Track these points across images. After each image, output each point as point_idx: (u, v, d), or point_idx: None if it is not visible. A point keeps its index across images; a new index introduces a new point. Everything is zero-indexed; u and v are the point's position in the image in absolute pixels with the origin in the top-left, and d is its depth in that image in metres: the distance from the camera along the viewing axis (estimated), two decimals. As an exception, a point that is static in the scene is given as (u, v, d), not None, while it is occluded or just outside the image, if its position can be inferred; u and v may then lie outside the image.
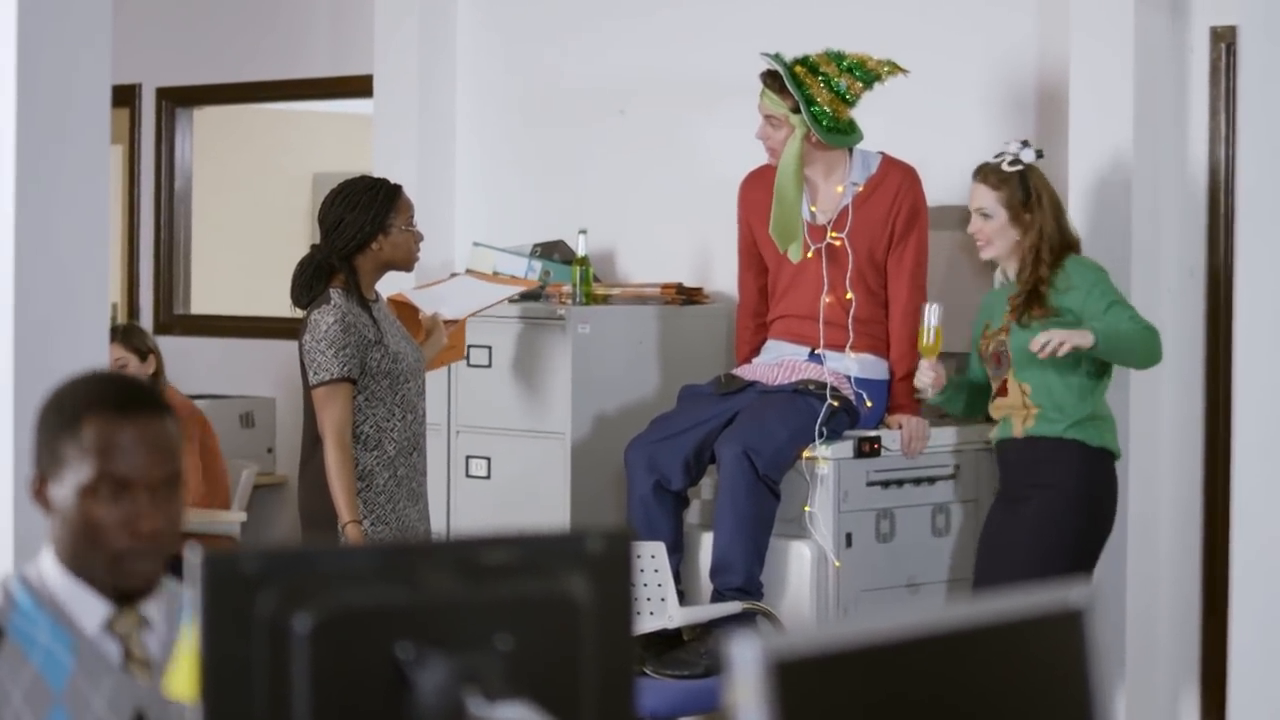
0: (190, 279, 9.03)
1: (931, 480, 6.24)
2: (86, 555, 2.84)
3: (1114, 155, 6.22)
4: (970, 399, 6.15)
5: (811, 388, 6.09)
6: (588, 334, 6.66)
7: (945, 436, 6.30)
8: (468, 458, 6.83)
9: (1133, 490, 6.15)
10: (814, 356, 6.23)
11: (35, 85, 4.69)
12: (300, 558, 2.09)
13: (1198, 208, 6.29)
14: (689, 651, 5.94)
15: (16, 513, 4.56)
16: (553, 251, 7.19)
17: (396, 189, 5.85)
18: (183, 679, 2.21)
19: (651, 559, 5.76)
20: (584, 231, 6.93)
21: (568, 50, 7.51)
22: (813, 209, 6.27)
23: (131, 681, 2.87)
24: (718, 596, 5.95)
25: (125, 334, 7.51)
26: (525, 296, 6.85)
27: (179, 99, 8.93)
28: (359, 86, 7.97)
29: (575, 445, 6.61)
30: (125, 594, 2.87)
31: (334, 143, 10.21)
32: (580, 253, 6.91)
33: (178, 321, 8.93)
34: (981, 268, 6.36)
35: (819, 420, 6.01)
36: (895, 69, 6.14)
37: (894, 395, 6.25)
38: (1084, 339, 5.71)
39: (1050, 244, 5.90)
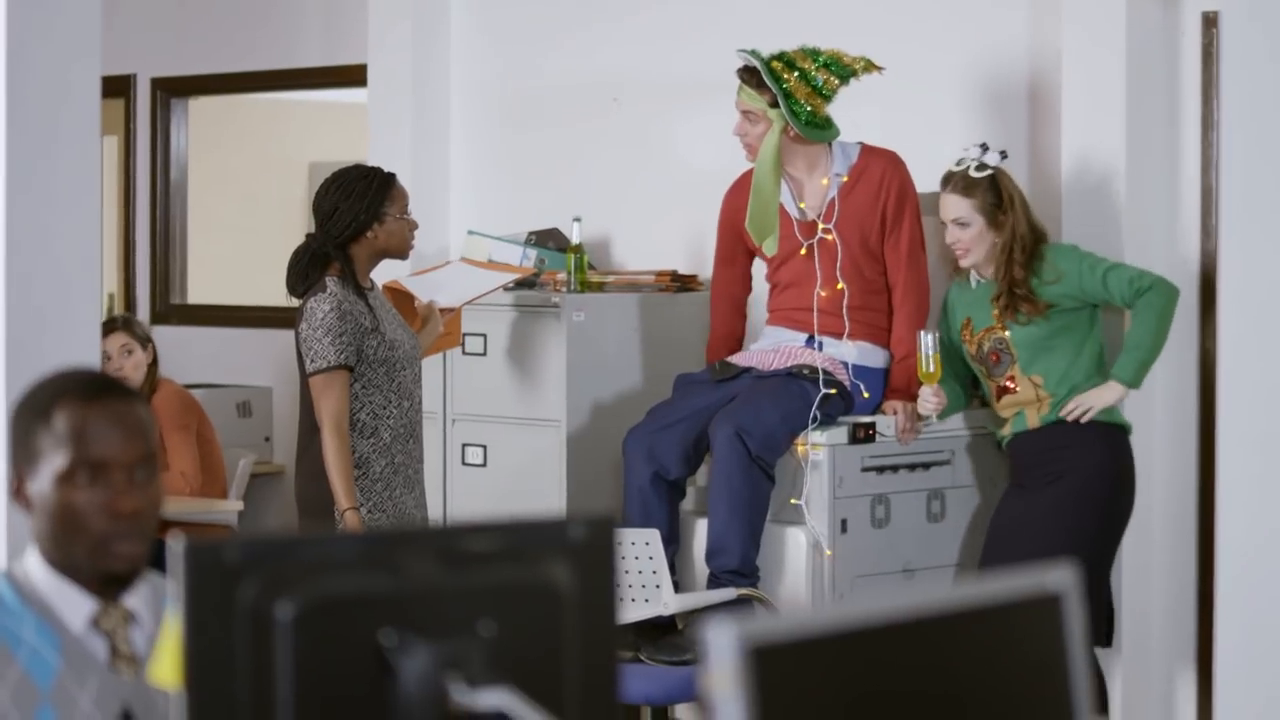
0: (187, 269, 9.04)
1: (927, 466, 6.24)
2: (69, 545, 2.83)
3: (1106, 145, 6.21)
4: (953, 400, 6.15)
5: (806, 372, 6.08)
6: (582, 321, 6.66)
7: (940, 423, 6.30)
8: (464, 446, 6.83)
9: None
10: (811, 342, 6.23)
11: (25, 76, 4.69)
12: (282, 546, 2.09)
13: (1190, 195, 6.28)
14: (683, 638, 5.94)
15: (10, 512, 4.55)
16: (547, 239, 7.18)
17: (391, 177, 5.85)
18: (166, 667, 2.21)
19: (646, 545, 5.76)
20: (578, 219, 6.93)
21: (562, 39, 7.49)
22: (801, 205, 6.26)
23: (118, 679, 2.87)
24: (713, 579, 5.95)
25: (127, 323, 7.70)
26: (520, 284, 6.84)
27: (174, 89, 8.93)
28: (353, 76, 7.97)
29: (571, 432, 6.61)
30: (110, 580, 2.87)
31: (329, 132, 10.20)
32: (575, 240, 6.90)
33: (174, 311, 8.94)
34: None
35: (814, 404, 6.01)
36: (870, 66, 6.13)
37: (892, 378, 6.25)
38: (1113, 393, 5.84)
39: (1023, 243, 5.93)
